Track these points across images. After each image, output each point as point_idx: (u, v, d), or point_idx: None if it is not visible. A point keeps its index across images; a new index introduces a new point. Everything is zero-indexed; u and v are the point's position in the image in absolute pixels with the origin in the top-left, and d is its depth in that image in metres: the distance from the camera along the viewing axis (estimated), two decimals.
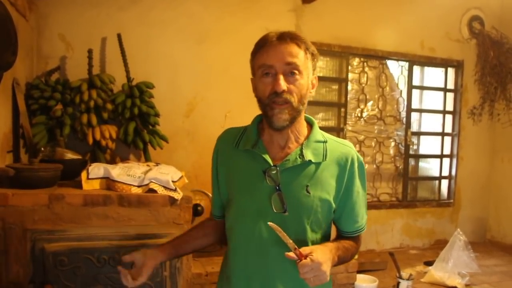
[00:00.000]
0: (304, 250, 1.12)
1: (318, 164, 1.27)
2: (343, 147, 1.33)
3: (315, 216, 1.25)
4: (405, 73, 4.37)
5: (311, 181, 1.25)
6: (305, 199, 1.23)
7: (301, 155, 1.25)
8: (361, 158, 1.35)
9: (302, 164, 1.25)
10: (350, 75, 4.15)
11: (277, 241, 1.22)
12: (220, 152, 1.38)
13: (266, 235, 1.23)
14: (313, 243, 1.25)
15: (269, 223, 1.15)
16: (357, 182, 1.32)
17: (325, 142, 1.31)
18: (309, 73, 1.26)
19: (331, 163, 1.28)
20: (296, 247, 1.12)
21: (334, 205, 1.29)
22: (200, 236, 1.44)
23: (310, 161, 1.25)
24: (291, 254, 1.12)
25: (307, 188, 1.24)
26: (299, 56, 1.22)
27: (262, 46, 1.25)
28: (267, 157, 1.26)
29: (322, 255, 1.13)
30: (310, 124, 1.36)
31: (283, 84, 1.19)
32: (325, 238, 1.33)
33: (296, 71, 1.21)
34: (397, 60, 4.32)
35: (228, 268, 1.31)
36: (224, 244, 1.38)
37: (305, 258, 1.10)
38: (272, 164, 1.25)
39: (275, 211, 1.22)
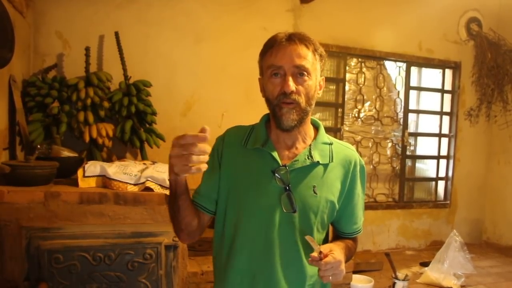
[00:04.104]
0: (324, 248, 1.14)
1: (325, 166, 1.28)
2: (347, 150, 1.35)
3: (321, 216, 1.27)
4: (403, 74, 4.37)
5: (318, 182, 1.26)
6: (312, 199, 1.25)
7: (310, 156, 1.27)
8: (363, 162, 1.37)
9: (310, 165, 1.26)
10: (348, 76, 4.16)
11: (283, 241, 1.23)
12: (227, 146, 1.33)
13: (273, 234, 1.23)
14: (317, 242, 1.25)
15: (306, 236, 1.16)
16: (358, 185, 1.35)
17: (331, 144, 1.33)
18: (317, 75, 1.27)
19: (337, 165, 1.30)
20: (321, 250, 1.13)
21: (337, 207, 1.30)
22: (195, 214, 1.29)
23: (318, 162, 1.27)
24: (315, 254, 1.12)
25: (314, 189, 1.25)
26: (308, 58, 1.23)
27: (271, 46, 1.25)
28: (277, 156, 1.26)
29: (340, 254, 1.17)
30: (316, 127, 1.37)
31: (292, 85, 1.20)
32: (326, 239, 1.35)
33: (305, 73, 1.22)
34: (395, 61, 4.32)
35: (229, 267, 1.28)
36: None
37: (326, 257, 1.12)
38: (281, 164, 1.25)
39: (285, 211, 1.22)
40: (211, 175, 1.33)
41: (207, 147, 1.02)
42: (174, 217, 1.25)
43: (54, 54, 3.05)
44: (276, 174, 1.23)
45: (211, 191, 1.33)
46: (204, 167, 1.02)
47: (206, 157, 1.02)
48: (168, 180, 1.17)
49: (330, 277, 1.12)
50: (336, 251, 1.15)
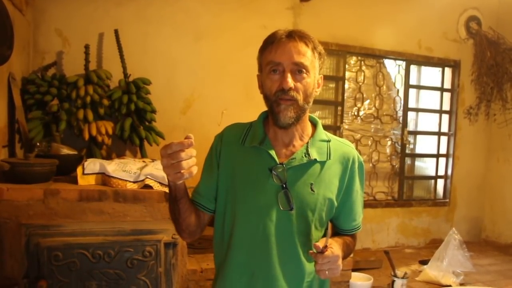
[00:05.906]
0: (322, 242, 1.14)
1: (322, 163, 1.28)
2: (345, 146, 1.35)
3: (319, 214, 1.27)
4: (402, 72, 4.37)
5: (316, 180, 1.26)
6: (310, 197, 1.25)
7: (307, 153, 1.27)
8: (361, 159, 1.37)
9: (307, 162, 1.26)
10: (347, 74, 4.15)
11: (280, 239, 1.24)
12: (225, 145, 1.34)
13: (271, 232, 1.23)
14: (316, 240, 1.26)
15: (310, 251, 1.14)
16: (357, 181, 1.35)
17: (328, 141, 1.33)
18: (315, 72, 1.28)
19: (335, 162, 1.30)
20: (326, 244, 1.13)
21: (336, 204, 1.30)
22: (195, 214, 1.31)
23: (315, 159, 1.27)
24: (319, 244, 1.12)
25: (311, 186, 1.25)
26: (307, 55, 1.23)
27: (271, 43, 1.25)
28: (274, 154, 1.26)
29: (338, 249, 1.17)
30: (313, 124, 1.37)
31: (290, 81, 1.20)
32: (324, 236, 1.34)
33: (304, 70, 1.23)
34: (395, 59, 4.32)
35: (228, 264, 1.29)
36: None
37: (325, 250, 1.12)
38: (278, 162, 1.25)
39: (281, 208, 1.22)
40: (210, 174, 1.34)
41: (193, 151, 1.05)
42: (174, 219, 1.27)
43: (53, 52, 3.05)
44: (273, 172, 1.24)
45: (210, 190, 1.34)
46: (195, 169, 1.06)
47: (194, 160, 1.06)
48: (167, 185, 1.20)
49: (327, 272, 1.12)
50: (334, 246, 1.15)
